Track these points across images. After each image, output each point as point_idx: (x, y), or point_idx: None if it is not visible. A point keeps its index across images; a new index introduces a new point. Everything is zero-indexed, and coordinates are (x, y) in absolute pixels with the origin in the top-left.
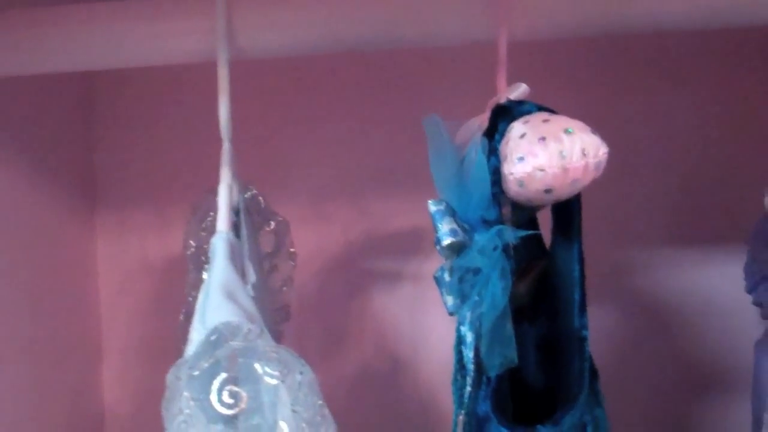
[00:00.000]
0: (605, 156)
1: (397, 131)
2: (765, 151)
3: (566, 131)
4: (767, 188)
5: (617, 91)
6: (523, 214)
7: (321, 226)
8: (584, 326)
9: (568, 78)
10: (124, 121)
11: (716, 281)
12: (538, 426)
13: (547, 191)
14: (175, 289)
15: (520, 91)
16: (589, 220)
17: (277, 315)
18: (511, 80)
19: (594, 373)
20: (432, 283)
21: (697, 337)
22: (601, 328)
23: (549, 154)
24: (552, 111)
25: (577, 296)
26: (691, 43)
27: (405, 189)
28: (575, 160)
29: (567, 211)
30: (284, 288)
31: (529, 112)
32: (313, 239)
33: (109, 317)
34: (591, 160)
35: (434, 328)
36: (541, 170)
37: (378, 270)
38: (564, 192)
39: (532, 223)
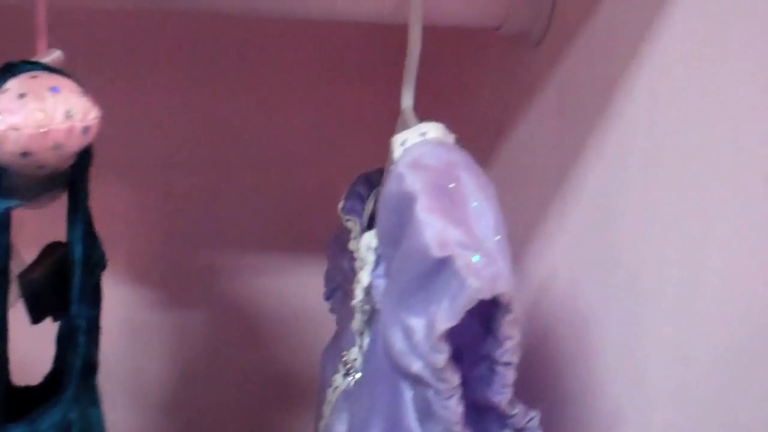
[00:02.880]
0: (96, 121)
1: None
2: (353, 158)
3: (51, 89)
4: (343, 197)
5: (210, 88)
6: (34, 185)
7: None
8: (81, 315)
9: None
10: None
11: (303, 289)
12: (11, 425)
13: (24, 155)
14: None
15: (53, 56)
16: (180, 218)
17: None
18: None
19: (91, 368)
20: None
21: (283, 344)
22: (189, 332)
23: (27, 112)
24: (66, 75)
25: (76, 280)
26: (298, 41)
27: None
28: (57, 122)
29: (73, 186)
30: None
31: (31, 71)
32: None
33: None
34: (78, 124)
35: None
36: (16, 129)
37: None
38: (47, 158)
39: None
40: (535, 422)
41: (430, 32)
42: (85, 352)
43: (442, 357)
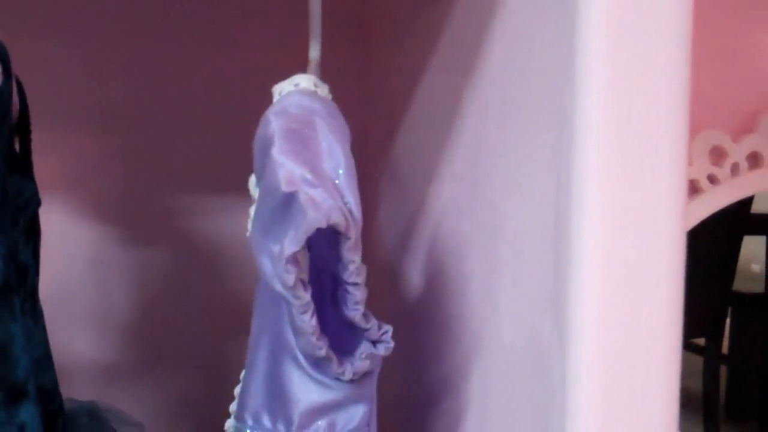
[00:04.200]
0: None
1: None
2: None
3: None
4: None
5: (164, 41)
6: None
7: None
8: (1, 243)
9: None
10: None
11: None
12: None
13: None
14: None
15: None
16: (142, 161)
17: None
18: None
19: (9, 289)
20: None
21: (239, 277)
22: (151, 267)
23: None
24: None
25: None
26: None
27: None
28: None
29: None
30: None
31: None
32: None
33: None
34: None
35: None
36: None
37: None
38: None
39: None
40: (388, 335)
41: None
42: (3, 276)
43: (291, 276)
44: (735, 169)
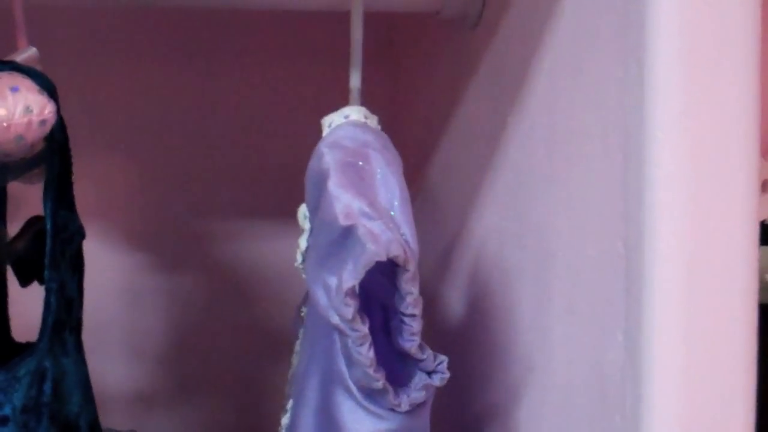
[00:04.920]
0: (51, 114)
1: None
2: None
3: (12, 89)
4: None
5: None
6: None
7: None
8: (52, 279)
9: (132, 49)
10: None
11: (290, 251)
12: None
13: None
14: None
15: (27, 54)
16: (174, 188)
17: None
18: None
19: (61, 324)
20: None
21: (272, 302)
22: (183, 293)
23: None
24: (33, 74)
25: (48, 249)
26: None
27: None
28: (17, 117)
29: (47, 164)
30: None
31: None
32: None
33: None
34: (35, 118)
35: None
36: None
37: None
38: (11, 148)
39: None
40: (443, 366)
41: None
42: (56, 311)
43: (350, 310)
44: None
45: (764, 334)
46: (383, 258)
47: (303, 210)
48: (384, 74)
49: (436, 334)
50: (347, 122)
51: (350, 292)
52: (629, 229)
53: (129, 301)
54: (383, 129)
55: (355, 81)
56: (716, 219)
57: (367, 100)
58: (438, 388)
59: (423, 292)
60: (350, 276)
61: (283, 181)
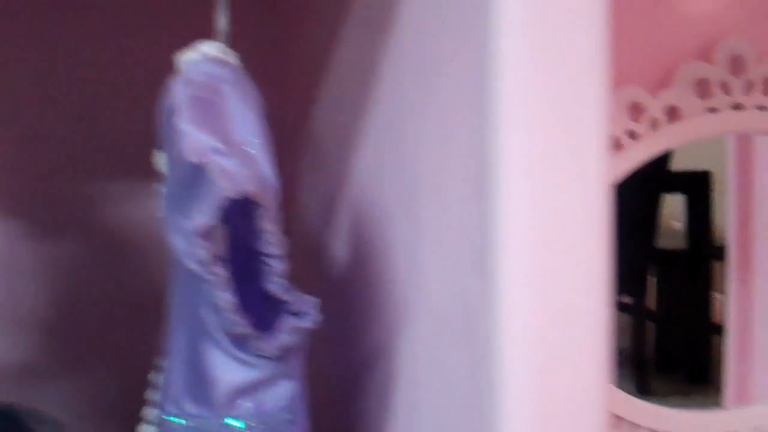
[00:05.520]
0: None
1: None
2: None
3: None
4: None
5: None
6: None
7: None
8: None
9: None
10: None
11: None
12: None
13: None
14: None
15: None
16: (42, 154)
17: None
18: None
19: None
20: None
21: (149, 264)
22: (59, 258)
23: None
24: None
25: None
26: None
27: None
28: None
29: None
30: None
31: None
32: None
33: None
34: None
35: None
36: None
37: None
38: None
39: None
40: (313, 307)
41: None
42: None
43: (204, 252)
44: (654, 124)
45: (670, 277)
46: (236, 195)
47: (159, 156)
48: (266, 20)
49: (326, 283)
50: (201, 58)
51: (203, 234)
52: (482, 156)
53: (3, 270)
54: (269, 77)
55: (221, 23)
56: (562, 146)
57: (250, 47)
58: (322, 337)
59: (311, 241)
60: (202, 216)
61: (153, 135)
